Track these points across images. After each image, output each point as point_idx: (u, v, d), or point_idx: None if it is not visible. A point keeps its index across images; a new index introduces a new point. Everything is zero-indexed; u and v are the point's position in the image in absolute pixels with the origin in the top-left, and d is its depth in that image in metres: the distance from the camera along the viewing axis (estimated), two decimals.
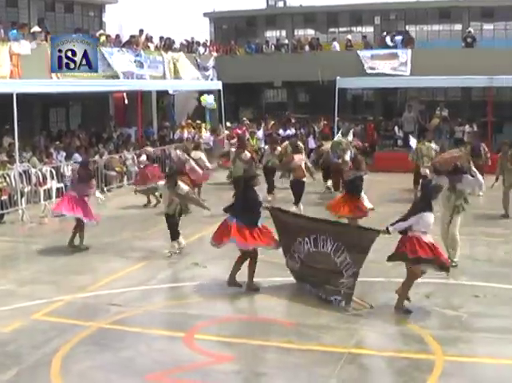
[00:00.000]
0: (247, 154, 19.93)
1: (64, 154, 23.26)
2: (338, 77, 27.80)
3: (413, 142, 22.03)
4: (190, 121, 31.88)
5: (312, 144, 28.30)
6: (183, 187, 14.49)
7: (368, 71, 30.81)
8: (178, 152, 20.32)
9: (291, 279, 12.18)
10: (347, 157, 20.04)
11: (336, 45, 35.31)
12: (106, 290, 12.19)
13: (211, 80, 33.38)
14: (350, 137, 22.32)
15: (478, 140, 22.37)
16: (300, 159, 18.62)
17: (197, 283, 12.57)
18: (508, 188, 18.53)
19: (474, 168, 13.77)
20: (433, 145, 20.91)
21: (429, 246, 10.60)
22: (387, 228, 10.75)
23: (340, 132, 23.12)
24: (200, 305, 10.46)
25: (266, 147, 23.04)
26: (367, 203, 16.76)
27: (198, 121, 31.23)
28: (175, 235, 14.53)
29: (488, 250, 14.97)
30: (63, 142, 24.87)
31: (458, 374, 8.56)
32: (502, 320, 10.49)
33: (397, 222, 10.83)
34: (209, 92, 32.52)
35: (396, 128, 31.51)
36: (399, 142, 30.57)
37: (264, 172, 20.92)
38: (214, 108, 31.99)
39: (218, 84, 31.37)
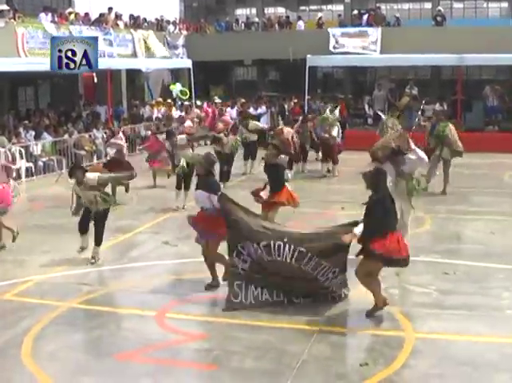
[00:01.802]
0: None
1: (33, 133, 23.07)
2: (308, 55, 27.77)
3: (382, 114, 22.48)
4: (160, 99, 31.69)
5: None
6: (90, 176, 12.62)
7: (333, 50, 30.73)
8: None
9: None
10: (334, 133, 21.37)
11: (302, 25, 35.10)
12: (76, 270, 12.13)
13: (181, 58, 33.20)
14: (337, 113, 22.54)
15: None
16: (288, 131, 18.73)
17: (168, 262, 12.57)
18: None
19: (413, 145, 12.65)
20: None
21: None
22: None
23: (328, 109, 23.21)
24: (171, 284, 10.46)
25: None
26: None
27: (169, 100, 31.06)
28: (99, 238, 12.72)
29: (457, 228, 15.10)
30: (32, 121, 24.65)
31: (429, 351, 8.62)
32: (472, 297, 10.58)
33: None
34: (177, 74, 32.37)
35: (367, 107, 31.59)
36: (370, 120, 30.66)
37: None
38: (184, 97, 31.61)
39: (188, 63, 31.22)
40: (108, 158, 18.95)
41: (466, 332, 9.21)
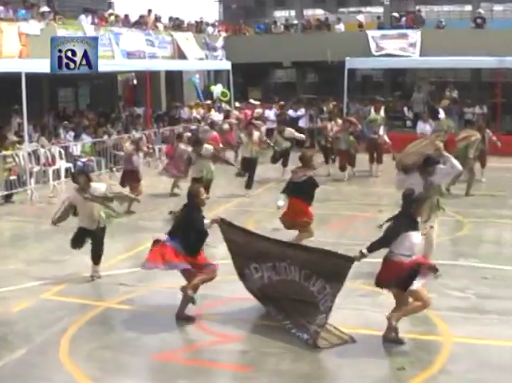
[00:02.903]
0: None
1: (72, 134, 23.28)
2: (347, 58, 27.71)
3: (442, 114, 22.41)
4: (198, 101, 31.78)
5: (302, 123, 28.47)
6: (96, 185, 12.00)
7: (375, 53, 30.58)
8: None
9: None
10: (381, 132, 21.91)
11: (342, 27, 35.00)
12: (115, 270, 12.23)
13: (220, 60, 33.29)
14: (382, 113, 22.81)
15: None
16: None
17: None
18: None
19: (444, 152, 11.95)
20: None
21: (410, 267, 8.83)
22: (361, 252, 8.95)
23: (372, 109, 23.31)
24: (208, 285, 10.48)
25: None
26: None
27: (209, 101, 31.13)
28: (100, 256, 11.95)
29: (496, 232, 14.98)
30: (72, 122, 24.87)
31: (466, 356, 8.57)
32: (510, 302, 10.49)
33: (373, 244, 9.03)
34: (218, 75, 32.39)
35: (406, 109, 31.43)
36: (408, 123, 30.49)
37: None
38: (225, 99, 31.66)
39: (227, 65, 31.30)
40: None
41: (504, 337, 9.12)
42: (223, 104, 30.69)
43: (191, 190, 10.33)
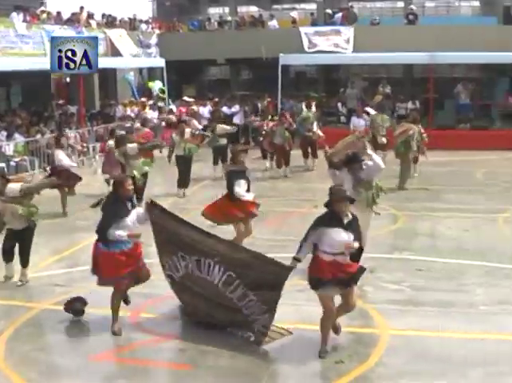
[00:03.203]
0: None
1: (5, 133, 22.91)
2: (281, 54, 27.79)
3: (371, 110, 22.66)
4: (132, 99, 31.55)
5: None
6: (12, 186, 11.44)
7: (308, 50, 30.68)
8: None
9: None
10: (315, 128, 22.23)
11: (275, 23, 35.04)
12: (51, 271, 12.07)
13: (154, 57, 33.09)
14: (313, 109, 23.11)
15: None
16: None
17: None
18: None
19: (368, 150, 11.74)
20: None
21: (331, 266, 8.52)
22: (294, 258, 8.68)
23: (303, 105, 23.55)
24: (145, 284, 10.41)
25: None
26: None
27: (143, 99, 30.92)
28: (28, 258, 11.62)
29: (430, 225, 15.19)
30: (4, 121, 24.47)
31: (403, 348, 8.67)
32: (445, 293, 10.65)
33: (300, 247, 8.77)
34: (152, 72, 32.18)
35: (339, 105, 31.67)
36: (342, 118, 30.74)
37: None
38: (162, 95, 31.49)
39: (161, 62, 31.13)
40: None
41: (440, 328, 9.26)
42: (160, 103, 30.53)
43: (115, 179, 10.19)
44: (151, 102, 30.46)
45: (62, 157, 17.24)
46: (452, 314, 9.79)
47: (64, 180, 16.43)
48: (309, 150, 22.33)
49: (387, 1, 39.58)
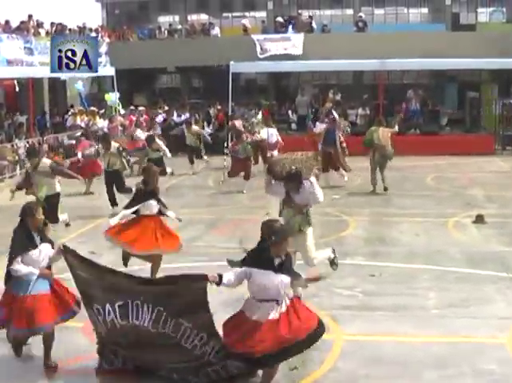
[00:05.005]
0: None
1: None
2: (232, 62, 27.81)
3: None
4: (81, 108, 31.27)
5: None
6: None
7: (260, 55, 30.74)
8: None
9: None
10: (264, 135, 22.53)
11: (218, 32, 35.04)
12: None
13: (104, 66, 32.87)
14: (259, 116, 23.93)
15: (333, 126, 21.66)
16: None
17: None
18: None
19: (313, 178, 10.33)
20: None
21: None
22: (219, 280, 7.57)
23: (256, 115, 23.80)
24: None
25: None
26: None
27: (93, 108, 30.69)
28: None
29: (381, 231, 15.28)
30: None
31: (357, 352, 8.69)
32: (398, 298, 10.70)
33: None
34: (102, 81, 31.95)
35: (290, 112, 31.81)
36: (293, 126, 30.90)
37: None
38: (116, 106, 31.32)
39: (111, 71, 30.96)
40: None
41: (393, 332, 9.30)
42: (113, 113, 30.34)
43: (24, 206, 8.69)
44: (102, 111, 30.29)
45: None
46: (405, 318, 9.84)
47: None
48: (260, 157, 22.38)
49: (336, 9, 39.84)
